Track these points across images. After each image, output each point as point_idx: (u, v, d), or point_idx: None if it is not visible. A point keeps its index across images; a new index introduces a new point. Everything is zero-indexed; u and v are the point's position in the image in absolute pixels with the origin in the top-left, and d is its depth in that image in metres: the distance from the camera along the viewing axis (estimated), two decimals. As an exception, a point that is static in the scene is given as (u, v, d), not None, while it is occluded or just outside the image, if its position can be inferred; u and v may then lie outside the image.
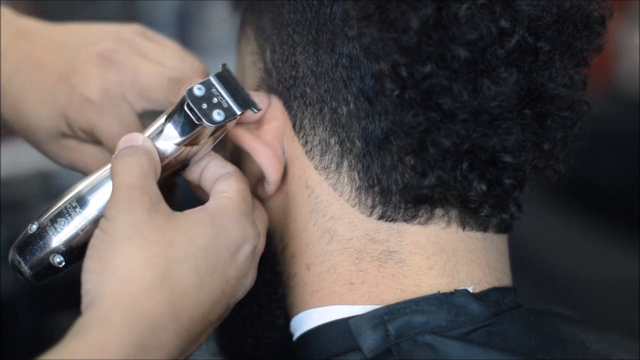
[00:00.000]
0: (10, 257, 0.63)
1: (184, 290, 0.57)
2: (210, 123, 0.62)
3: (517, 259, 0.70)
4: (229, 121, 0.63)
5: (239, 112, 0.63)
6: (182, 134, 0.63)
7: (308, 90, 0.65)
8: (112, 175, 0.61)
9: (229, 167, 0.65)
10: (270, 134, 0.67)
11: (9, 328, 1.61)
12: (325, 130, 0.64)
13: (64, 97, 0.71)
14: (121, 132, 0.67)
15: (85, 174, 0.72)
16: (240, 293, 0.63)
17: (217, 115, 0.63)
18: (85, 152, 0.74)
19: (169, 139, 0.63)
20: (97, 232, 0.59)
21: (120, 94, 0.70)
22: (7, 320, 1.59)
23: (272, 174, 0.66)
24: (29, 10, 2.46)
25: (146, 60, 0.71)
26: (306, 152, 0.66)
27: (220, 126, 0.63)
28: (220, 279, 0.60)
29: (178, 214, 0.61)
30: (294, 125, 0.66)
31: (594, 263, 1.76)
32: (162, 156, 0.63)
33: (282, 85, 0.67)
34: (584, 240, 1.88)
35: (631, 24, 2.21)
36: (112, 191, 0.60)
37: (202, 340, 0.60)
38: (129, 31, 0.75)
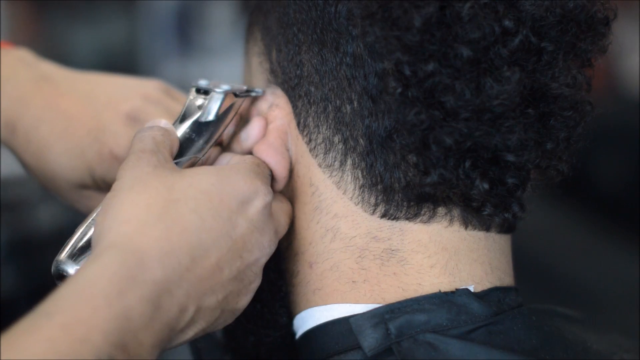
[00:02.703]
0: (57, 269, 0.62)
1: (182, 228, 0.57)
2: (218, 90, 0.68)
3: (518, 258, 0.70)
4: (234, 92, 0.68)
5: (244, 86, 0.69)
6: (196, 112, 0.68)
7: (312, 89, 0.65)
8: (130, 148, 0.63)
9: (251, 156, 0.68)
10: (274, 132, 0.68)
11: (9, 328, 1.61)
12: (329, 128, 0.65)
13: (92, 153, 0.73)
14: None
15: None
16: (257, 250, 0.62)
17: (225, 86, 0.68)
18: None
19: (187, 121, 0.68)
20: (108, 193, 0.60)
21: None
22: (7, 320, 1.59)
23: (278, 170, 0.67)
24: (29, 10, 2.46)
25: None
26: (310, 150, 0.66)
27: (228, 107, 0.68)
28: (225, 223, 0.60)
29: (185, 169, 0.62)
30: (298, 124, 0.67)
31: (594, 263, 1.77)
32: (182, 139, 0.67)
33: (287, 85, 0.67)
34: (584, 240, 1.88)
35: (631, 24, 2.21)
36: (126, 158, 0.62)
37: (219, 296, 0.59)
38: (153, 88, 0.77)
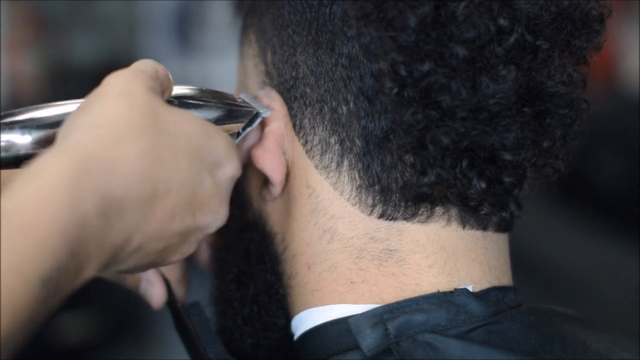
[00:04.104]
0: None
1: (156, 158, 0.56)
2: (265, 112, 0.67)
3: (518, 258, 0.70)
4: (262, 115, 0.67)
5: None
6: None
7: (308, 91, 0.65)
8: None
9: None
10: (270, 136, 0.67)
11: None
12: (325, 129, 0.65)
13: None
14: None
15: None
16: (211, 217, 0.61)
17: (266, 112, 0.67)
18: None
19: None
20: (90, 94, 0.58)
21: None
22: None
23: (275, 175, 0.67)
24: (29, 10, 2.46)
25: None
26: (306, 152, 0.66)
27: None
28: (194, 174, 0.59)
29: (176, 108, 0.61)
30: (294, 126, 0.66)
31: (594, 262, 1.77)
32: None
33: (282, 86, 0.67)
34: (584, 239, 1.88)
35: (631, 23, 2.21)
36: None
37: (160, 245, 0.57)
38: None
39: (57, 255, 0.48)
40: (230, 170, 0.62)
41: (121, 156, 0.54)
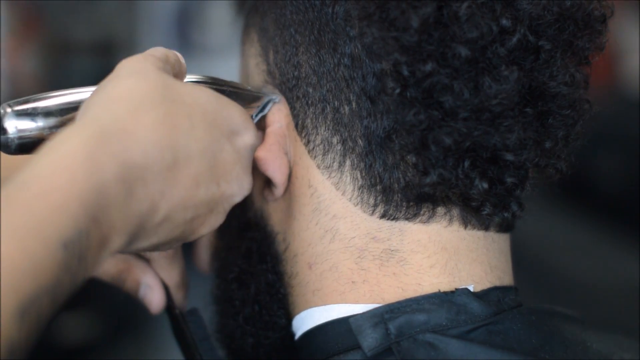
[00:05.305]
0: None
1: (173, 126, 0.57)
2: (276, 98, 0.68)
3: (518, 258, 0.70)
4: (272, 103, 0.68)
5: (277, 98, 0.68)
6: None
7: (310, 90, 0.65)
8: None
9: None
10: (272, 137, 0.67)
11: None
12: (328, 129, 0.65)
13: None
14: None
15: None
16: (236, 185, 0.62)
17: (277, 97, 0.68)
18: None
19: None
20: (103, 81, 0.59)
21: None
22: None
23: (278, 177, 0.67)
24: (29, 10, 2.46)
25: None
26: (309, 152, 0.66)
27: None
28: (213, 141, 0.59)
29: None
30: (296, 125, 0.66)
31: (594, 262, 1.77)
32: None
33: (284, 86, 0.67)
34: (584, 239, 1.88)
35: (631, 24, 2.21)
36: None
37: (187, 215, 0.58)
38: None
39: (77, 220, 0.48)
40: (249, 138, 0.63)
41: (137, 126, 0.55)
